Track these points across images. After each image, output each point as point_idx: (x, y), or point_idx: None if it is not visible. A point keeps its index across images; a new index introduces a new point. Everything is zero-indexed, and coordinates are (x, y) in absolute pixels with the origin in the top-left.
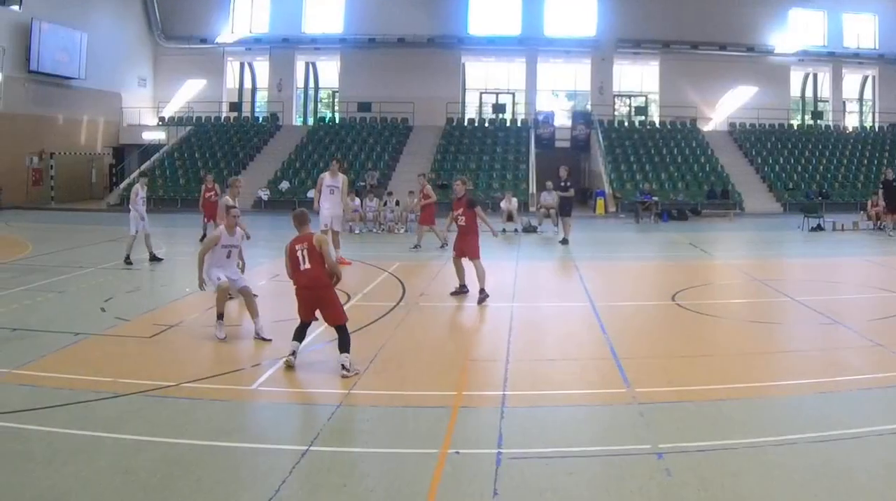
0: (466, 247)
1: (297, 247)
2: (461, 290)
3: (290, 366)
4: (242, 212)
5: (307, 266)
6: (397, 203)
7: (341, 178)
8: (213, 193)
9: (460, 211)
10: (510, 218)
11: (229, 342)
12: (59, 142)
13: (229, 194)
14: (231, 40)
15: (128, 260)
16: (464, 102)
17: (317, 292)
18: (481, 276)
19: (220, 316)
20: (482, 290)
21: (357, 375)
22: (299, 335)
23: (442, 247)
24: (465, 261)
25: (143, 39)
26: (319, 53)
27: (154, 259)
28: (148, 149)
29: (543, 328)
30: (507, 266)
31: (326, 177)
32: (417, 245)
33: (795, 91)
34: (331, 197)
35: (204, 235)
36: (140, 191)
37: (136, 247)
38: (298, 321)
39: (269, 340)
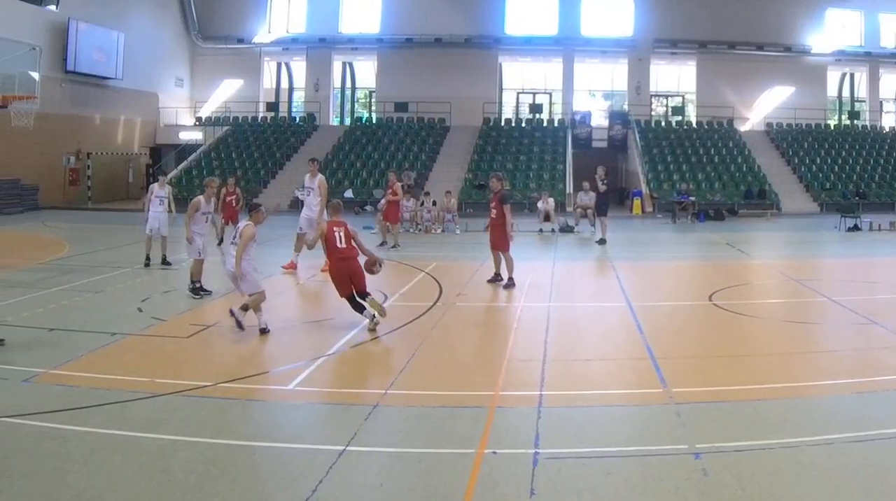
0: (496, 240)
1: (334, 230)
2: (495, 278)
3: (374, 327)
4: (280, 212)
5: (342, 245)
6: (434, 203)
7: (318, 179)
8: (234, 197)
9: (493, 204)
10: (547, 218)
11: (266, 342)
12: (96, 142)
13: (204, 196)
14: (268, 40)
15: (165, 261)
16: (501, 102)
17: (349, 263)
18: (509, 267)
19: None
20: (510, 278)
21: (377, 322)
22: (358, 308)
23: (382, 244)
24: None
25: (181, 39)
26: (356, 53)
27: (165, 263)
28: (185, 149)
29: (580, 328)
30: (545, 266)
31: (305, 179)
32: (396, 244)
33: (832, 91)
34: (306, 198)
35: (221, 240)
36: (156, 190)
37: (154, 247)
38: (344, 302)
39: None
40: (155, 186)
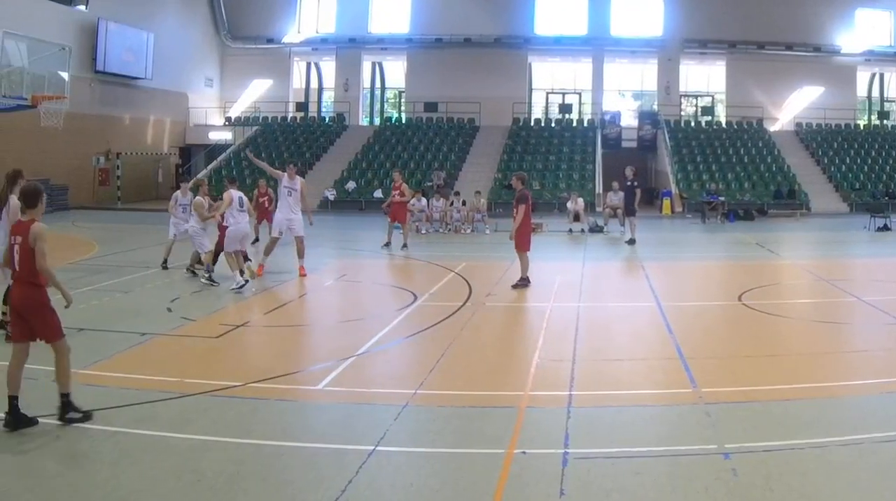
0: (516, 240)
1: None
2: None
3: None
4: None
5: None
6: (464, 203)
7: (299, 181)
8: (266, 198)
9: (514, 204)
10: (577, 218)
11: (296, 342)
12: (126, 142)
13: (200, 193)
14: (297, 40)
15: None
16: (530, 102)
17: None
18: (523, 267)
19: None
20: (522, 278)
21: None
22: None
23: (387, 244)
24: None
25: (210, 40)
26: (386, 53)
27: (164, 266)
28: (214, 149)
29: (610, 328)
30: (574, 266)
31: (284, 179)
32: (405, 244)
33: (862, 91)
34: (288, 199)
35: (256, 239)
36: (179, 198)
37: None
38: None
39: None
40: (178, 194)
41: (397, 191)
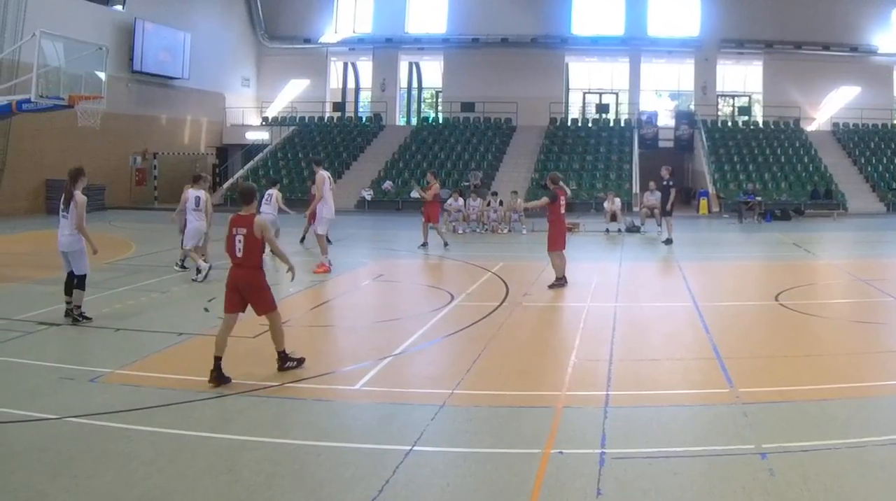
0: (548, 240)
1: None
2: (557, 283)
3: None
4: (345, 212)
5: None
6: (500, 203)
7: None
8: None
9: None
10: (613, 218)
11: (333, 342)
12: (163, 143)
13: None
14: (334, 40)
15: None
16: (567, 102)
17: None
18: (556, 267)
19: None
20: (558, 278)
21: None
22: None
23: (424, 245)
24: (566, 253)
25: (247, 40)
26: (423, 53)
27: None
28: (251, 150)
29: (647, 328)
30: (611, 266)
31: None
32: (446, 243)
33: None
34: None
35: (304, 237)
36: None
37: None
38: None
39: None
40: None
41: (431, 193)
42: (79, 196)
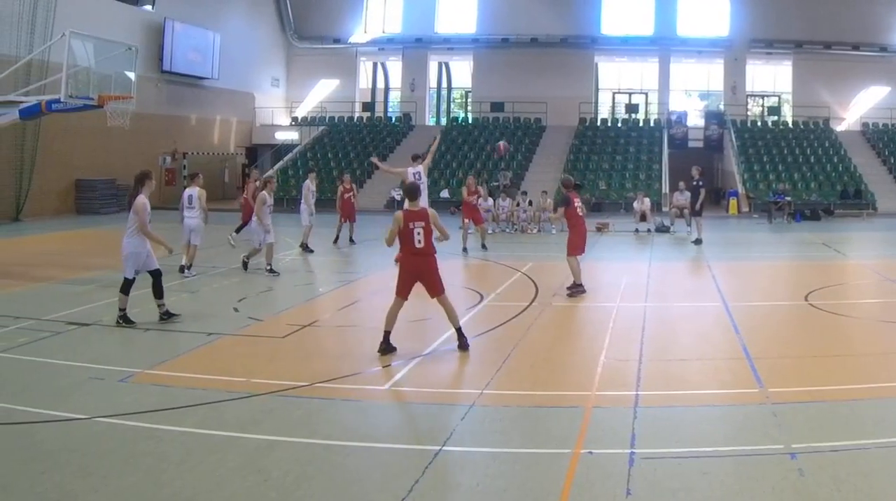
0: (568, 244)
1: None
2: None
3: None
4: (374, 212)
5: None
6: (530, 203)
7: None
8: (351, 194)
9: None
10: (643, 218)
11: (362, 343)
12: (192, 142)
13: (267, 190)
14: (364, 40)
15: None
16: (597, 102)
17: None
18: (574, 272)
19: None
20: (576, 284)
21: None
22: None
23: (464, 250)
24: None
25: (276, 40)
26: (452, 53)
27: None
28: (281, 149)
29: (676, 328)
30: (641, 266)
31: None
32: (483, 244)
33: None
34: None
35: (338, 237)
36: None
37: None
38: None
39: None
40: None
41: (474, 196)
42: (139, 200)
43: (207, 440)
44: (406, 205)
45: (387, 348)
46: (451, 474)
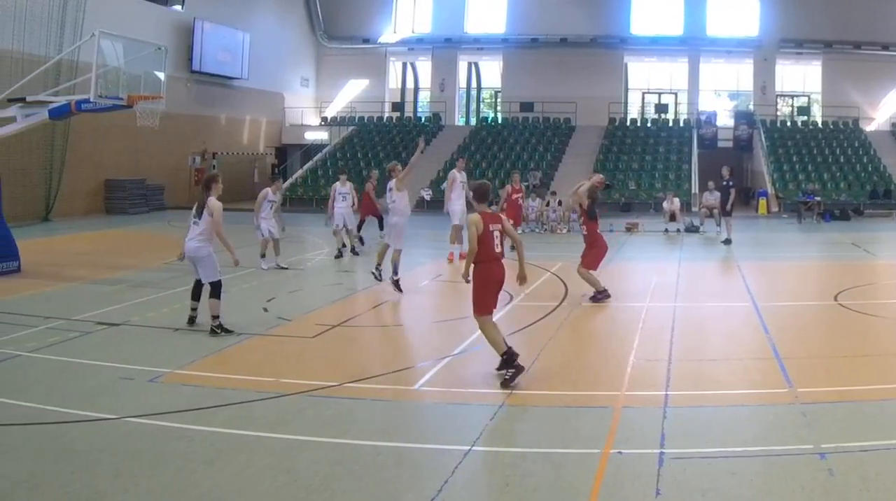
0: (585, 257)
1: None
2: (597, 296)
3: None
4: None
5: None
6: (560, 203)
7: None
8: (375, 192)
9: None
10: (673, 218)
11: (392, 342)
12: (222, 142)
13: (273, 189)
14: (393, 40)
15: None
16: (626, 102)
17: None
18: (591, 284)
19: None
20: (599, 291)
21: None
22: None
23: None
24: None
25: (306, 40)
26: (482, 53)
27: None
28: (310, 149)
29: (706, 328)
30: (670, 266)
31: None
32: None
33: None
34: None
35: (361, 237)
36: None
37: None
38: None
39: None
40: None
41: (518, 194)
42: (213, 202)
43: (237, 440)
44: (475, 207)
45: (516, 373)
46: (480, 474)
